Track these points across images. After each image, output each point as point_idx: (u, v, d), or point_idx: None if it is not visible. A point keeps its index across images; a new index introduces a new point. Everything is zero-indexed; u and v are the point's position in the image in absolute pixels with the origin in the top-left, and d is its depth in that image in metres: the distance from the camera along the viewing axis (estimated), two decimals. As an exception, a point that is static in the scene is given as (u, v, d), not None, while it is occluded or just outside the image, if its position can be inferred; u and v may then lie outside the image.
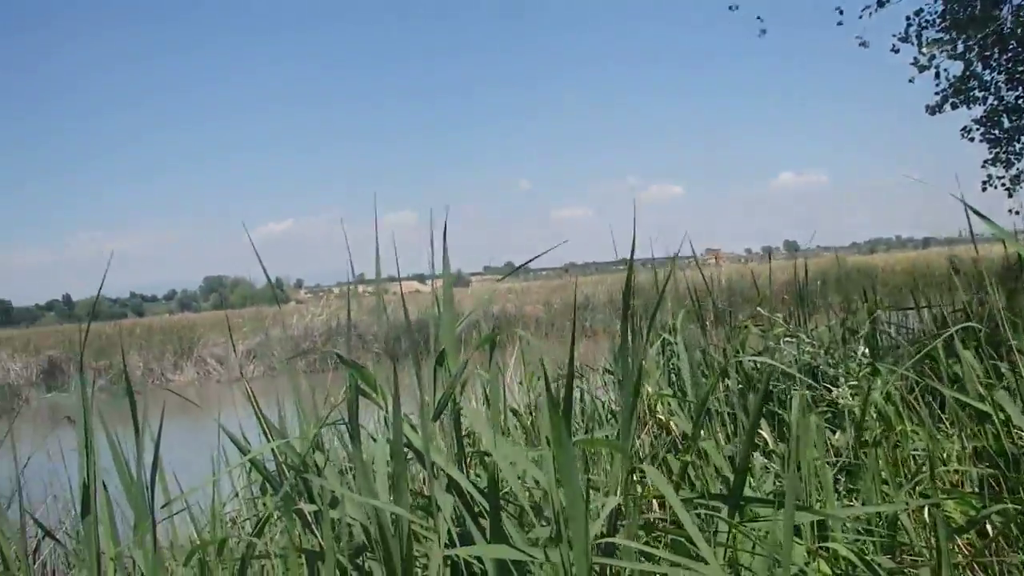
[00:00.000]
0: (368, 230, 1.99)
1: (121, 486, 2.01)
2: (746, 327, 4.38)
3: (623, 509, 1.80)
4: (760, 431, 3.05)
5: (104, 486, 1.89)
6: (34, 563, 4.31)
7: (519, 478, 1.90)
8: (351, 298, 2.54)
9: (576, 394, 3.89)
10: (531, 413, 3.86)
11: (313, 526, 1.98)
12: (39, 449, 4.70)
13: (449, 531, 1.84)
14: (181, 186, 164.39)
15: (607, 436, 2.49)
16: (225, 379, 22.79)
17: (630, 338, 1.86)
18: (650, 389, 3.67)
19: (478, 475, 2.24)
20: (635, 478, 2.05)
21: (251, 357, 24.42)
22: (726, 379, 3.76)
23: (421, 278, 2.44)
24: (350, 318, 2.06)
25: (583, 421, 3.93)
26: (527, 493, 1.97)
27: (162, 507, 2.09)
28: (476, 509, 1.87)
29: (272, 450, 2.10)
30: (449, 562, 1.83)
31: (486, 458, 2.53)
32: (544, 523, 1.81)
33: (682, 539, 1.79)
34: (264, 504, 2.92)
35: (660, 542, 1.94)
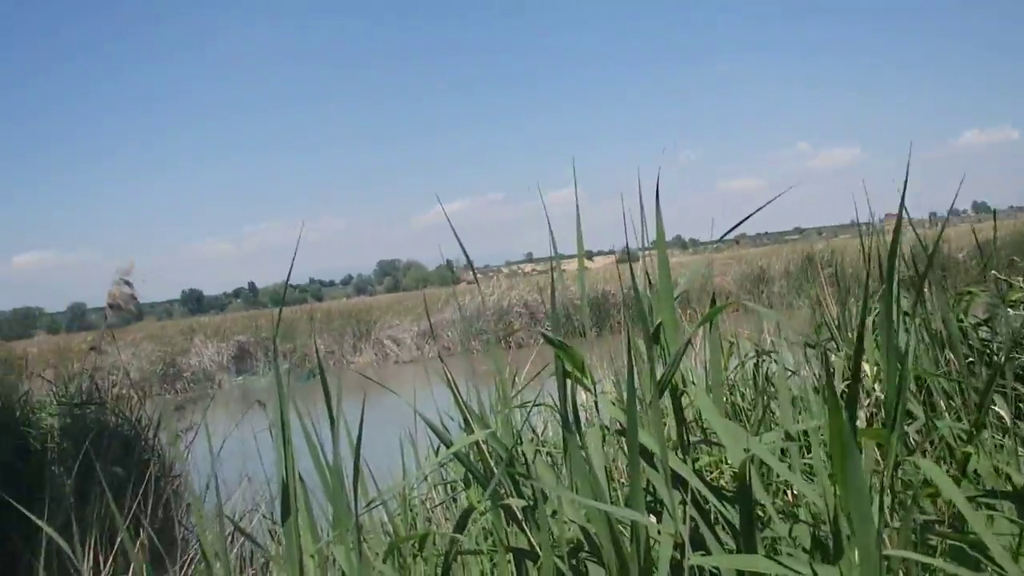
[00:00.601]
0: (529, 210, 1.78)
1: (315, 472, 1.88)
2: (970, 293, 3.91)
3: (893, 511, 1.51)
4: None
5: (301, 479, 1.75)
6: (229, 553, 4.40)
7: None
8: (518, 277, 2.35)
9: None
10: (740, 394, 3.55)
11: (523, 523, 1.77)
12: (231, 433, 4.79)
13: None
14: (354, 175, 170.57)
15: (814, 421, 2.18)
16: (402, 360, 23.36)
17: (891, 308, 1.54)
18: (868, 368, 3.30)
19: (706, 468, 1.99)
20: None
21: (426, 338, 25.00)
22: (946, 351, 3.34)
23: (589, 255, 2.18)
24: (554, 294, 1.84)
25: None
26: (771, 495, 1.71)
27: (365, 509, 1.94)
28: (707, 507, 1.62)
29: (475, 439, 1.91)
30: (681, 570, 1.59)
31: (715, 448, 2.27)
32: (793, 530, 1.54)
33: (965, 546, 1.48)
34: (463, 492, 2.77)
35: (935, 550, 1.63)
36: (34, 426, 5.52)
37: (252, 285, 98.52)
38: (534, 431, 4.21)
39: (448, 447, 1.96)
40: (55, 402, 5.67)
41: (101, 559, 3.15)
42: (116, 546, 3.33)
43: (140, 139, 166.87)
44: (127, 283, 4.31)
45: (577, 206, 1.95)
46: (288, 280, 2.21)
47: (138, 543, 3.36)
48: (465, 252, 2.08)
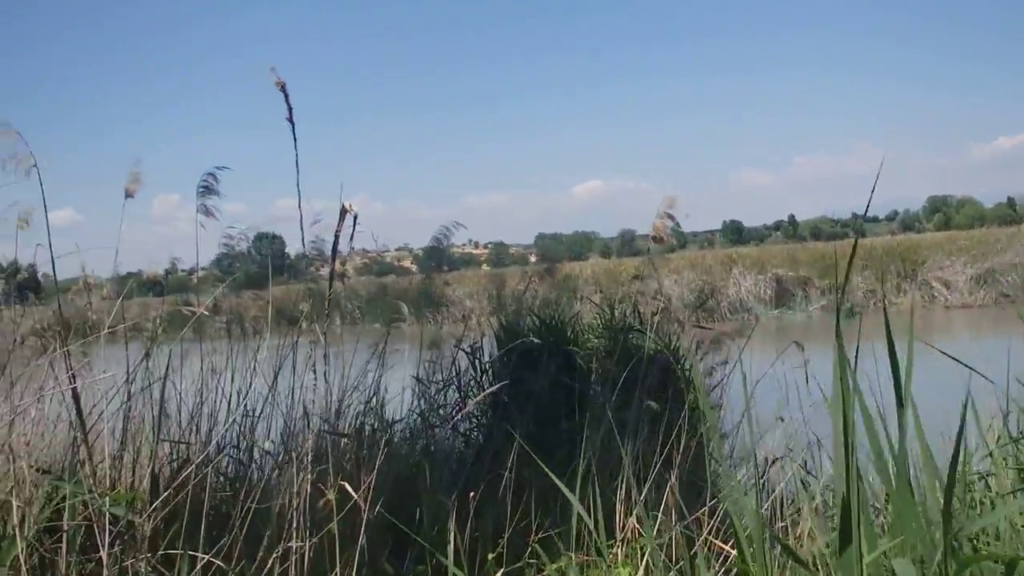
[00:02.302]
0: None
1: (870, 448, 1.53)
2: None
3: None
4: None
5: (857, 469, 1.42)
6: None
7: None
8: None
9: None
10: None
11: None
12: (766, 372, 4.56)
13: None
14: (895, 103, 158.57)
15: None
16: (952, 304, 21.22)
17: None
18: None
19: None
20: None
21: (981, 283, 22.41)
22: None
23: None
24: None
25: None
26: None
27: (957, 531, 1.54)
28: None
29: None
30: None
31: None
32: None
33: None
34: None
35: None
36: (582, 346, 5.86)
37: (792, 218, 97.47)
38: None
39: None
40: (601, 325, 5.95)
41: (634, 490, 3.16)
42: (650, 477, 3.33)
43: (692, 78, 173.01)
44: (670, 216, 4.29)
45: None
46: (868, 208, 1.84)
47: (669, 484, 3.33)
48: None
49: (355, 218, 2.71)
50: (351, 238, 2.77)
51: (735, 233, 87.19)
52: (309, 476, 2.54)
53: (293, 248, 4.15)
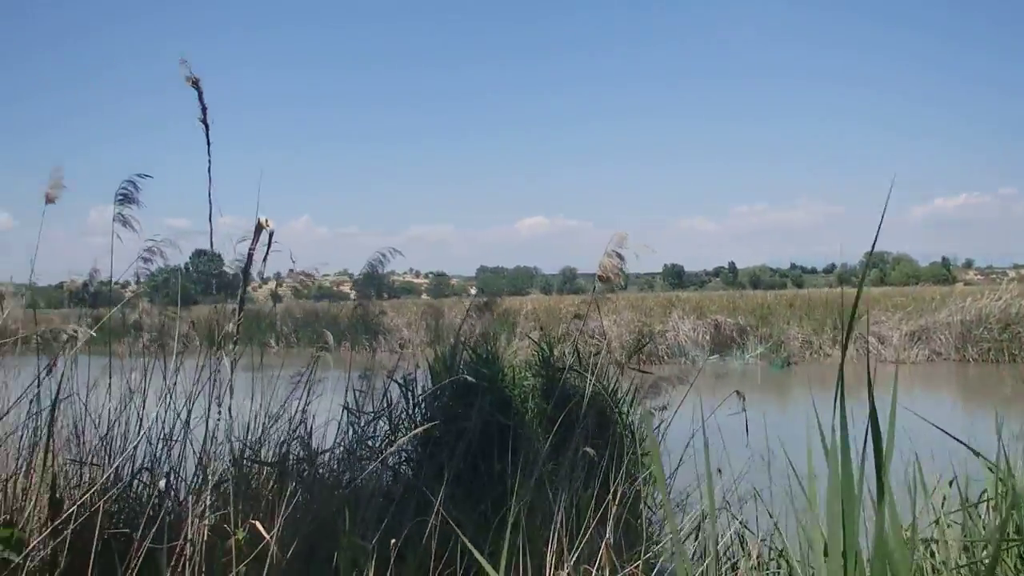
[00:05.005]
0: None
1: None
2: None
3: None
4: None
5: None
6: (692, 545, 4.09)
7: None
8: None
9: None
10: None
11: None
12: (708, 418, 4.45)
13: None
14: (842, 161, 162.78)
15: None
16: (886, 359, 21.55)
17: None
18: None
19: None
20: None
21: (914, 340, 22.80)
22: None
23: None
24: None
25: None
26: None
27: None
28: None
29: None
30: None
31: None
32: None
33: None
34: None
35: None
36: (518, 383, 5.72)
37: (732, 265, 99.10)
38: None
39: None
40: (539, 363, 5.82)
41: (565, 542, 3.00)
42: (585, 531, 3.18)
43: (650, 129, 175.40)
44: (619, 255, 4.17)
45: None
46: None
47: (608, 530, 3.18)
48: None
49: (271, 235, 2.51)
50: (265, 257, 2.55)
51: (675, 277, 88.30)
52: (213, 512, 2.32)
53: (231, 267, 3.94)
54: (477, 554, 1.58)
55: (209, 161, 2.66)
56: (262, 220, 2.44)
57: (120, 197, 2.99)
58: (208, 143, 2.63)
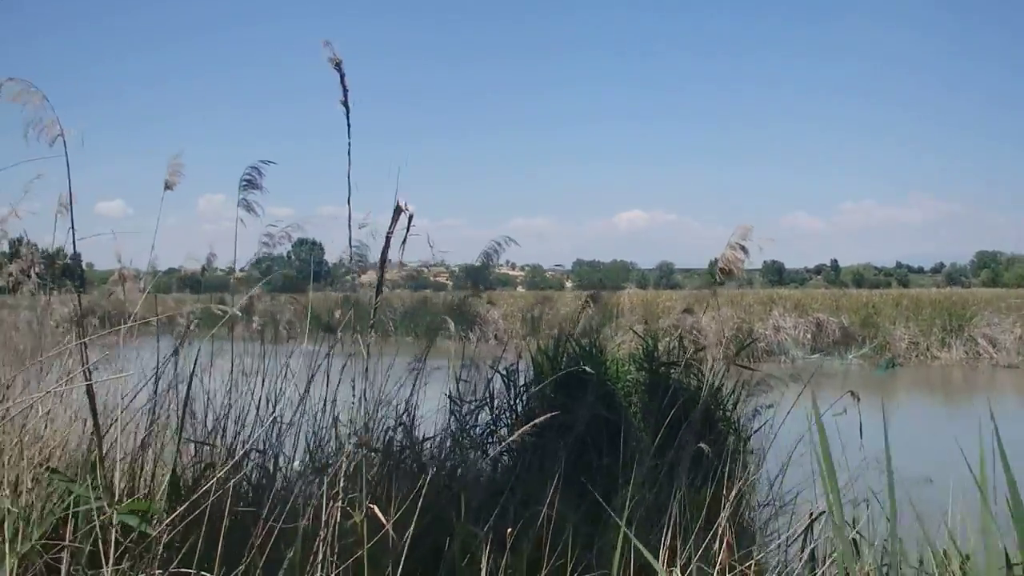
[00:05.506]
0: None
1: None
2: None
3: None
4: None
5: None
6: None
7: None
8: None
9: None
10: None
11: None
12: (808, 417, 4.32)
13: None
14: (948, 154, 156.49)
15: None
16: (999, 363, 20.63)
17: None
18: None
19: None
20: None
21: (1027, 343, 21.80)
22: None
23: None
24: None
25: None
26: None
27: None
28: None
29: None
30: None
31: None
32: None
33: None
34: None
35: None
36: (622, 378, 5.67)
37: (835, 262, 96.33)
38: None
39: None
40: (643, 358, 5.75)
41: (679, 540, 2.95)
42: (696, 526, 3.12)
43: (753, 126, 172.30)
44: (743, 248, 4.06)
45: None
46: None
47: (720, 532, 3.10)
48: None
49: (410, 218, 2.51)
50: (403, 241, 2.54)
51: (775, 274, 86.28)
52: (340, 496, 2.35)
53: (332, 256, 3.99)
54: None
55: (349, 144, 2.67)
56: (401, 203, 2.43)
57: (244, 182, 3.06)
58: (348, 125, 2.65)
